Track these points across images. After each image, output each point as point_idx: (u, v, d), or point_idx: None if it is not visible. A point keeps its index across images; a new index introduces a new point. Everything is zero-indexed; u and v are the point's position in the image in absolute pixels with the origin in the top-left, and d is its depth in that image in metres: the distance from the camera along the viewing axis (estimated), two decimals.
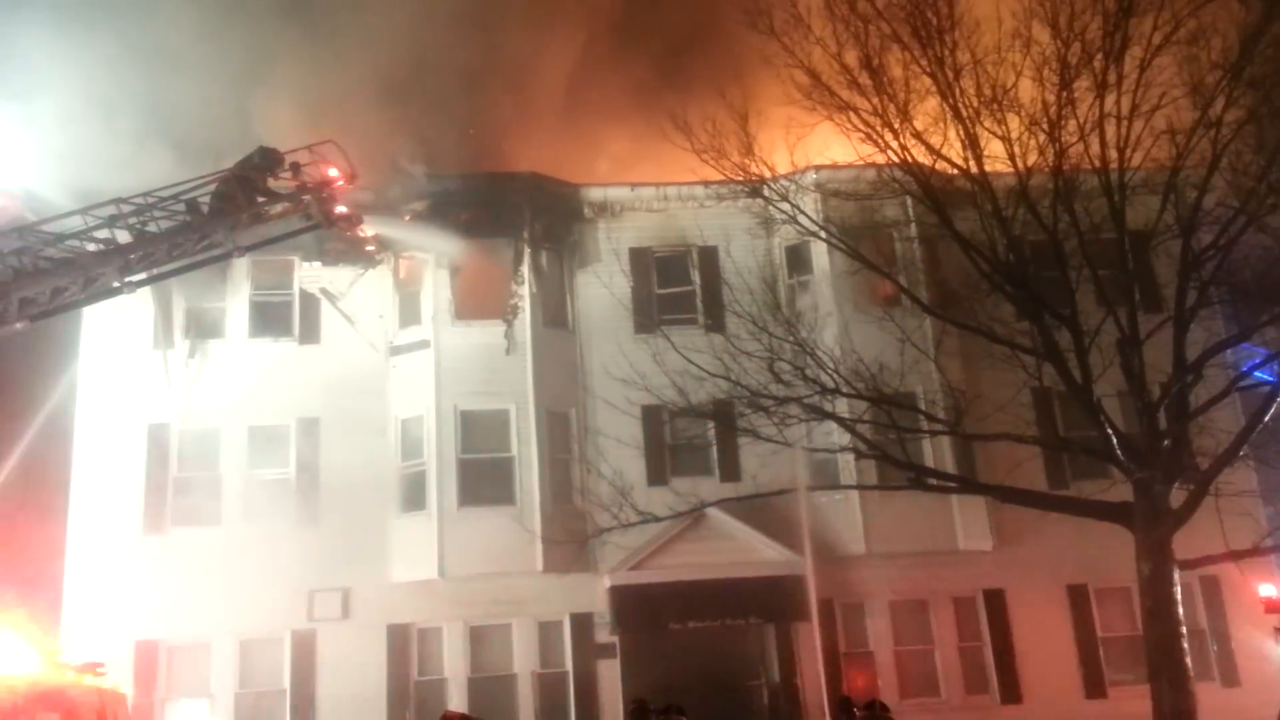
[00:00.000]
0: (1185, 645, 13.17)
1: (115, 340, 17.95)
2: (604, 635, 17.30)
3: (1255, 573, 16.06)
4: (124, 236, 13.57)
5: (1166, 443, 13.68)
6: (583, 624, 17.42)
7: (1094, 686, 17.65)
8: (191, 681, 16.86)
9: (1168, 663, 13.07)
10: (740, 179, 14.85)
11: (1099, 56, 13.36)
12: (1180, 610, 13.25)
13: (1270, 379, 14.26)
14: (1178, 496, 13.66)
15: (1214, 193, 13.89)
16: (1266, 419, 13.80)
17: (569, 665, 17.31)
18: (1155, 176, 13.97)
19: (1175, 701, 12.92)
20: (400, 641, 17.16)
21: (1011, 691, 17.57)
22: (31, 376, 17.99)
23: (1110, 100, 13.41)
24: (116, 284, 13.68)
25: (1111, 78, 13.36)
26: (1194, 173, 13.84)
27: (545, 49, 21.52)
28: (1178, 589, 13.30)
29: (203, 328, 18.27)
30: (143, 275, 13.91)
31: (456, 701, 16.77)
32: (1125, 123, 13.45)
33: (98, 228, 13.63)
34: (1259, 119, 13.44)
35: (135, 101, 16.48)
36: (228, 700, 16.78)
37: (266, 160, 14.34)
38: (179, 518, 17.37)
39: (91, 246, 13.48)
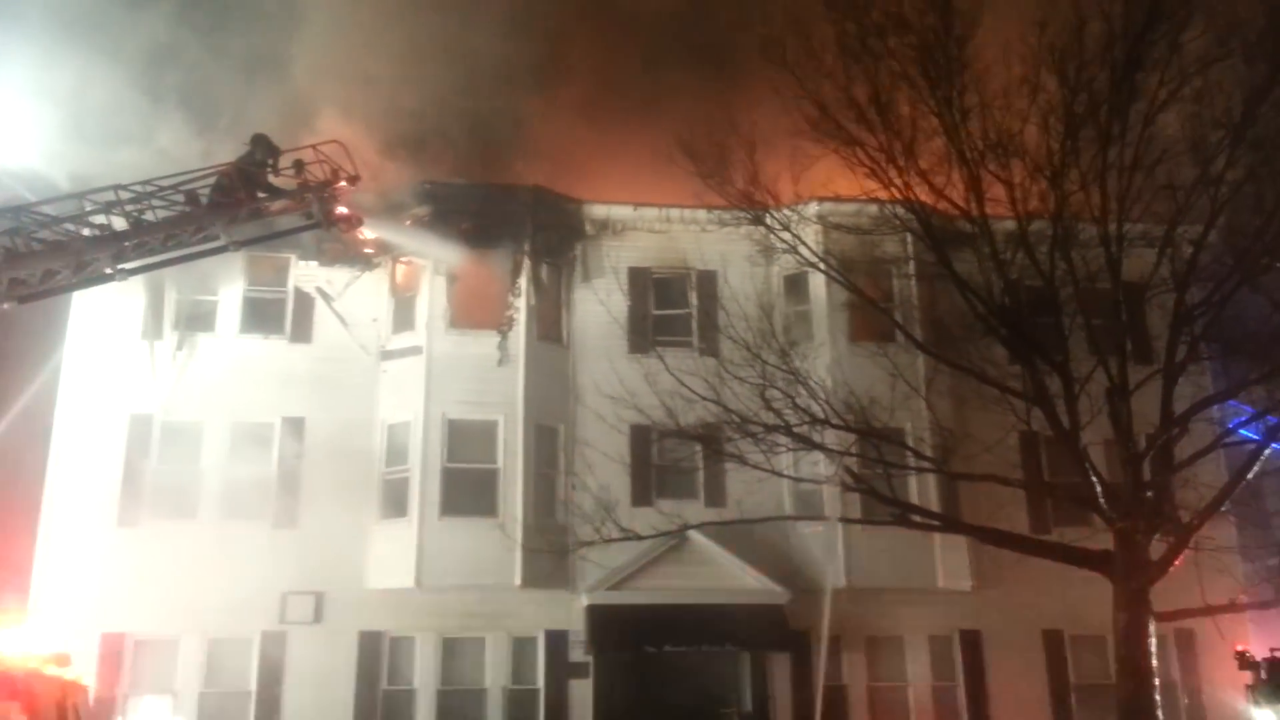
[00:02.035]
0: (1157, 697, 13.12)
1: (103, 328, 17.78)
2: (578, 654, 17.15)
3: (1231, 629, 16.08)
4: (120, 223, 13.42)
5: (1150, 494, 13.70)
6: (557, 642, 17.29)
7: None
8: (156, 677, 16.60)
9: (1139, 714, 13.00)
10: (743, 206, 14.90)
11: (1105, 108, 13.47)
12: (1154, 662, 13.22)
13: (1255, 437, 14.34)
14: (1158, 548, 13.64)
15: (1209, 249, 14.01)
16: (1250, 476, 13.91)
17: (540, 683, 17.16)
18: (1153, 230, 14.08)
19: None
20: (371, 649, 16.99)
21: None
22: (16, 359, 17.80)
23: (1113, 152, 13.50)
24: (109, 270, 13.47)
25: (1116, 130, 13.47)
26: (1191, 229, 13.98)
27: (558, 65, 21.58)
28: (1153, 640, 13.26)
29: (193, 320, 18.14)
30: (136, 263, 13.71)
31: (424, 714, 16.64)
32: (1127, 175, 13.55)
33: (94, 212, 13.45)
34: (1259, 179, 13.56)
35: (142, 84, 16.39)
36: (192, 699, 16.54)
37: (269, 155, 14.30)
38: (155, 511, 17.14)
39: (86, 231, 13.32)
